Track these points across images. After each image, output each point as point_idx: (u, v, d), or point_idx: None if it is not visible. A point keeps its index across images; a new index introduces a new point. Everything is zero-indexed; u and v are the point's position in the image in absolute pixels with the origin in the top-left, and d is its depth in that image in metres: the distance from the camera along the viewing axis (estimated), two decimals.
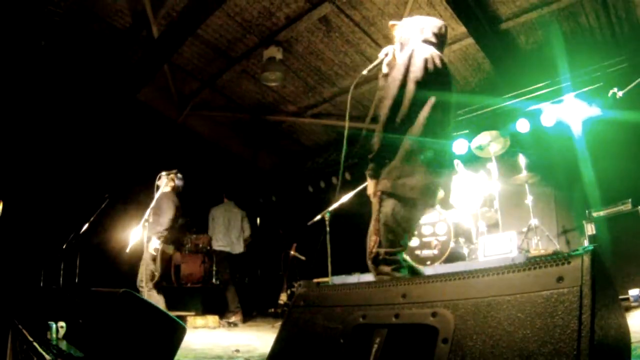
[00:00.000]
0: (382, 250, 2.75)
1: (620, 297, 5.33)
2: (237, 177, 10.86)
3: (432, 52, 3.03)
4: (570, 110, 7.19)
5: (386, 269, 2.69)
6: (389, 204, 2.82)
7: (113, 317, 2.43)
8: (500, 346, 1.16)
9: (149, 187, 5.31)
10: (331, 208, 5.90)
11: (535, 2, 6.63)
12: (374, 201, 2.93)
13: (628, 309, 4.79)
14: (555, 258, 1.21)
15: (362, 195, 6.11)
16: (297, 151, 11.10)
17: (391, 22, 3.51)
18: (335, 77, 8.66)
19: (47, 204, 7.89)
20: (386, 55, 3.29)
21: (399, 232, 2.80)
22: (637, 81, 3.75)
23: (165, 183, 5.92)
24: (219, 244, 8.26)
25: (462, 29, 7.03)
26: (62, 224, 6.94)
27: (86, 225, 6.09)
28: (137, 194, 7.14)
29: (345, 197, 5.93)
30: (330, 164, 10.58)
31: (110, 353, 2.32)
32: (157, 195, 5.50)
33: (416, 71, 2.88)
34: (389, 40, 7.45)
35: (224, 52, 8.03)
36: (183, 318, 6.02)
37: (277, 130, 10.46)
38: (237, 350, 3.49)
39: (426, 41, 3.16)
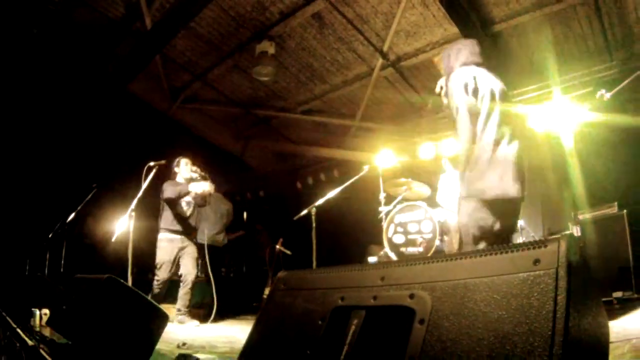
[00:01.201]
0: None
1: (605, 299, 5.44)
2: (225, 171, 10.85)
3: (468, 73, 3.36)
4: (559, 114, 7.25)
5: None
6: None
7: (97, 303, 2.43)
8: (476, 327, 1.18)
9: (137, 178, 5.29)
10: (317, 203, 5.94)
11: (528, 6, 6.66)
12: None
13: (613, 311, 4.86)
14: (532, 242, 1.23)
15: (348, 191, 6.18)
16: (286, 147, 11.10)
17: (435, 58, 3.91)
18: (327, 74, 8.67)
19: (34, 193, 7.84)
20: (441, 88, 3.67)
21: None
22: (624, 83, 3.80)
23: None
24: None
25: (454, 29, 7.04)
26: (49, 213, 6.90)
27: (73, 215, 6.07)
28: (125, 185, 7.12)
29: (332, 193, 5.96)
30: (318, 161, 10.61)
31: (94, 339, 2.32)
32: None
33: (460, 97, 3.22)
34: (381, 38, 7.54)
35: (217, 46, 8.00)
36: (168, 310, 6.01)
37: (266, 125, 10.46)
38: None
39: (465, 64, 3.49)
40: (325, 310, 1.56)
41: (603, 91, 3.82)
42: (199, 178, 6.49)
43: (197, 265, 6.50)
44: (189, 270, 6.22)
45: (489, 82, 3.37)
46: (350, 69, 8.52)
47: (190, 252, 6.38)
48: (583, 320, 1.15)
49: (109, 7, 7.20)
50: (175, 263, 6.25)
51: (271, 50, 7.61)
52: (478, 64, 3.53)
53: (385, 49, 7.76)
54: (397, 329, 1.34)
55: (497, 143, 3.19)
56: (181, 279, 6.26)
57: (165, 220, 6.27)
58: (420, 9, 6.97)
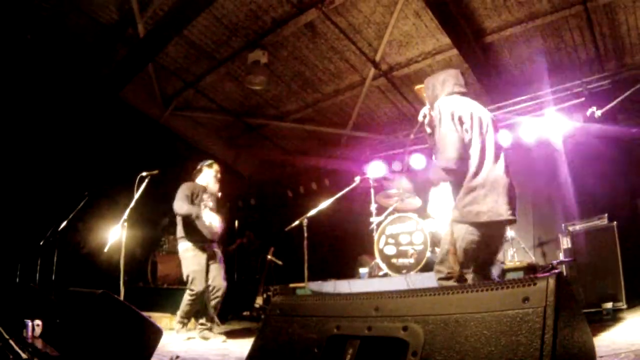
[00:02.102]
0: None
1: (594, 310, 5.49)
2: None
3: (454, 103, 3.44)
4: (550, 125, 7.31)
5: None
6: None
7: (91, 318, 2.44)
8: None
9: (129, 187, 5.28)
10: (309, 214, 5.96)
11: (520, 17, 6.74)
12: None
13: (602, 322, 4.91)
14: (522, 279, 1.28)
15: (339, 202, 6.22)
16: (278, 155, 11.12)
17: (417, 87, 3.92)
18: (319, 83, 8.73)
19: (26, 200, 7.81)
20: (424, 116, 3.68)
21: None
22: (615, 101, 3.86)
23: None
24: None
25: (446, 40, 7.13)
26: (41, 221, 6.87)
27: (65, 223, 6.05)
28: (117, 193, 7.11)
29: (324, 204, 5.99)
30: (310, 170, 10.63)
31: (88, 353, 2.33)
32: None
33: (448, 123, 3.29)
34: (373, 48, 7.59)
35: (209, 54, 8.04)
36: (158, 319, 5.98)
37: (258, 133, 10.48)
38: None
39: (450, 94, 3.57)
40: (321, 339, 1.59)
41: (594, 108, 3.88)
42: (211, 198, 6.08)
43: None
44: (219, 281, 5.66)
45: (476, 111, 3.44)
46: (342, 78, 8.57)
47: (218, 260, 5.82)
48: (569, 353, 1.18)
49: (101, 13, 7.21)
50: (207, 272, 5.65)
51: (263, 59, 7.65)
52: (463, 94, 3.59)
53: (377, 58, 7.83)
54: None
55: (487, 169, 3.27)
56: (211, 289, 5.63)
57: (187, 228, 5.69)
58: (412, 19, 7.05)
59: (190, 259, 5.61)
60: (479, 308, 1.29)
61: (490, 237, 3.29)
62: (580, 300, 5.79)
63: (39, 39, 7.27)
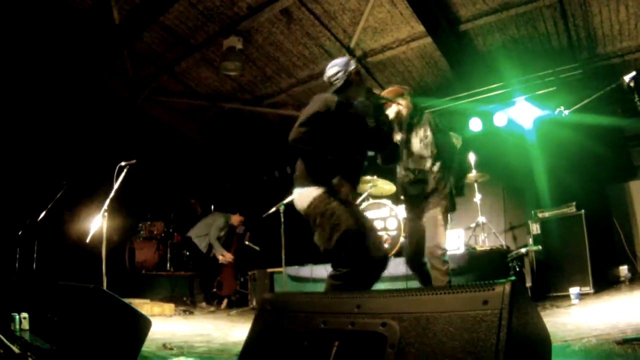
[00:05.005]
0: None
1: (562, 294, 5.78)
2: (192, 164, 10.90)
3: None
4: (522, 113, 7.49)
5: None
6: None
7: (83, 312, 2.55)
8: (436, 353, 1.44)
9: (108, 176, 5.31)
10: (286, 200, 6.08)
11: (495, 6, 6.84)
12: None
13: (569, 307, 5.13)
14: (483, 285, 1.49)
15: None
16: (253, 140, 11.18)
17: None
18: (293, 68, 8.78)
19: (2, 190, 7.73)
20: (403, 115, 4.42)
21: None
22: (583, 102, 4.04)
23: None
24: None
25: (421, 27, 7.20)
26: (19, 210, 6.85)
27: (44, 213, 6.06)
28: (96, 182, 7.10)
29: None
30: (284, 154, 10.73)
31: (79, 346, 2.44)
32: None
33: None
34: (348, 34, 7.68)
35: (184, 39, 7.99)
36: (139, 306, 6.07)
37: (233, 118, 10.51)
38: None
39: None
40: (310, 333, 1.80)
41: (562, 107, 4.06)
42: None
43: None
44: None
45: None
46: (316, 64, 8.62)
47: None
48: (523, 348, 1.41)
49: None
50: None
51: (239, 45, 7.67)
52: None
53: (352, 45, 7.91)
54: (372, 352, 1.60)
55: None
56: None
57: None
58: (387, 6, 7.12)
59: None
60: (447, 308, 1.51)
61: None
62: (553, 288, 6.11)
63: (9, 24, 7.16)
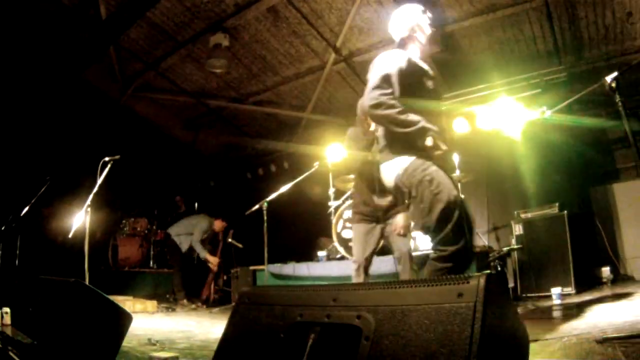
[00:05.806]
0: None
1: (544, 294, 5.83)
2: (176, 161, 10.85)
3: None
4: (507, 114, 7.54)
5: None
6: None
7: (64, 306, 2.54)
8: (411, 345, 1.45)
9: (92, 171, 5.28)
10: (269, 198, 6.09)
11: (481, 8, 6.91)
12: None
13: (551, 307, 5.18)
14: (457, 277, 1.51)
15: (299, 185, 6.36)
16: (237, 137, 11.17)
17: None
18: (279, 66, 8.79)
19: None
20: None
21: None
22: (565, 103, 4.09)
23: None
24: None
25: None
26: (1, 206, 6.77)
27: (27, 208, 6.01)
28: (80, 178, 7.05)
29: (284, 188, 6.12)
30: (269, 152, 10.75)
31: (61, 340, 2.44)
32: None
33: None
34: (334, 33, 7.70)
35: (171, 35, 7.97)
36: (121, 303, 6.05)
37: (218, 115, 10.49)
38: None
39: None
40: (286, 325, 1.81)
41: (544, 108, 4.10)
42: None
43: None
44: None
45: None
46: (302, 62, 8.65)
47: None
48: (498, 340, 1.43)
49: None
50: None
51: (225, 42, 7.67)
52: None
53: (338, 44, 7.95)
54: (347, 344, 1.61)
55: None
56: None
57: None
58: (375, 6, 7.17)
59: None
60: (421, 301, 1.52)
61: None
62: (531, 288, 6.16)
63: None
